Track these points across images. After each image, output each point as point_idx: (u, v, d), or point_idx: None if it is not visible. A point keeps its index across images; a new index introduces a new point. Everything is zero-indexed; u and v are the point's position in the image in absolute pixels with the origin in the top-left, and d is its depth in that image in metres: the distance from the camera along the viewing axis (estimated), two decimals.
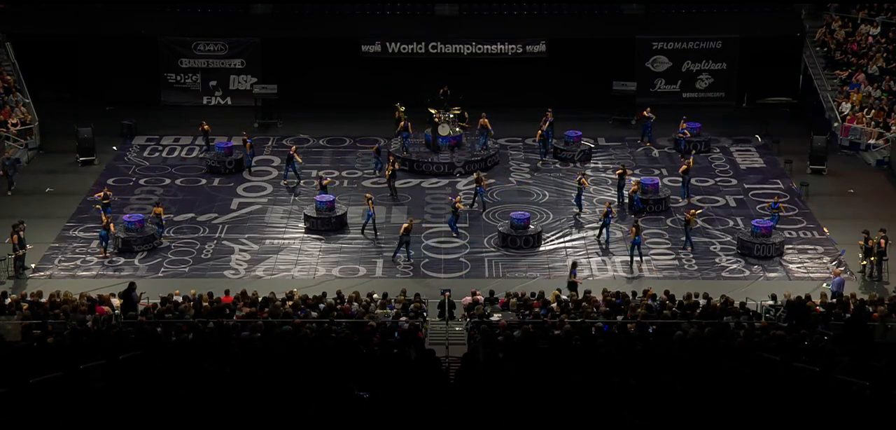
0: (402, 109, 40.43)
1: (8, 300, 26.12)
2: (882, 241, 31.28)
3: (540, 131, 40.42)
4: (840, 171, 40.02)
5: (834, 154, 41.14)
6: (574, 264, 30.63)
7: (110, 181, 38.14)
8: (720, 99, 47.35)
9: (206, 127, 40.89)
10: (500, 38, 46.62)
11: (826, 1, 48.38)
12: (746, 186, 38.46)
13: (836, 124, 42.81)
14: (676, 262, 32.64)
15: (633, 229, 32.09)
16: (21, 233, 31.36)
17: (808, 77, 46.18)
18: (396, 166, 37.51)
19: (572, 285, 29.42)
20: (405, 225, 32.62)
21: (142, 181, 38.56)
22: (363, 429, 15.55)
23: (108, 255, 32.47)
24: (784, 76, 46.53)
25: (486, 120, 40.21)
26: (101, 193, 34.80)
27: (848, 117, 42.70)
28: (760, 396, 16.57)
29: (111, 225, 32.78)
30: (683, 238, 33.43)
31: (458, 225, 34.47)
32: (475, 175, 36.85)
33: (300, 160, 38.54)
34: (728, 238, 34.03)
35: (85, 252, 32.85)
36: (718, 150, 41.87)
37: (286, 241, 34.02)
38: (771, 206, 34.73)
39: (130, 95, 45.56)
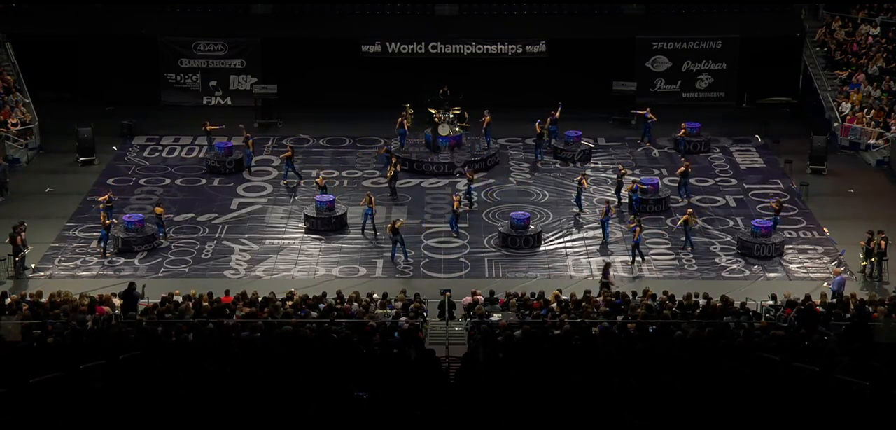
0: (411, 111, 40.49)
1: (8, 300, 26.11)
2: (882, 242, 31.29)
3: (543, 126, 40.33)
4: (840, 171, 40.02)
5: (834, 154, 41.14)
6: (607, 265, 30.59)
7: (110, 181, 38.15)
8: (720, 99, 47.35)
9: (209, 127, 40.77)
10: (500, 38, 46.61)
11: (819, 0, 48.47)
12: (746, 186, 38.47)
13: (836, 124, 42.81)
14: (676, 262, 32.65)
15: (637, 229, 32.09)
16: (23, 235, 31.36)
17: (808, 77, 46.18)
18: (398, 168, 37.52)
19: (606, 286, 29.23)
20: (389, 225, 32.65)
21: (142, 181, 38.56)
22: (363, 429, 15.55)
23: (108, 255, 32.48)
24: (784, 76, 46.52)
25: (489, 117, 40.24)
26: (106, 196, 34.73)
27: (848, 117, 42.70)
28: (760, 396, 16.56)
29: (107, 221, 32.68)
30: (683, 238, 33.43)
31: (458, 225, 34.49)
32: (467, 173, 36.89)
33: (282, 160, 38.50)
34: (728, 238, 34.04)
35: (85, 252, 32.86)
36: (718, 150, 41.89)
37: (286, 241, 34.03)
38: (774, 211, 34.68)
39: (130, 95, 45.55)
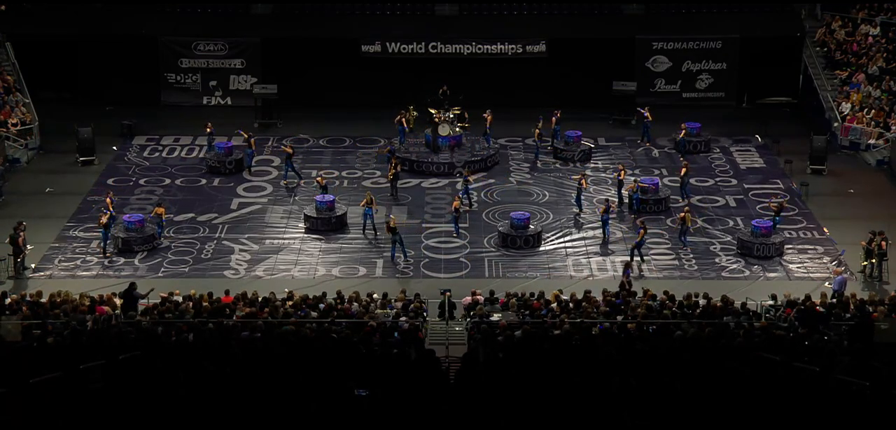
0: (415, 113, 40.50)
1: (8, 300, 26.12)
2: (882, 243, 31.29)
3: (546, 127, 40.40)
4: (840, 171, 40.01)
5: (834, 154, 41.13)
6: (627, 265, 30.57)
7: (110, 181, 38.14)
8: (720, 99, 47.34)
9: (210, 128, 40.72)
10: (500, 38, 46.60)
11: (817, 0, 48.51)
12: (746, 186, 38.46)
13: (836, 124, 42.80)
14: (676, 262, 32.64)
15: (642, 231, 32.06)
16: (23, 234, 31.35)
17: (808, 77, 46.18)
18: (399, 169, 37.52)
19: (623, 287, 29.14)
20: (386, 225, 32.63)
21: (142, 181, 38.56)
22: (363, 429, 15.56)
23: (108, 255, 32.48)
24: (784, 76, 46.51)
25: (491, 117, 40.24)
26: (107, 201, 34.62)
27: (848, 117, 42.69)
28: (760, 396, 16.57)
29: (104, 218, 32.63)
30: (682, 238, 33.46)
31: (458, 225, 34.48)
32: (466, 173, 36.87)
33: (283, 158, 38.56)
34: (728, 238, 34.04)
35: (85, 252, 32.86)
36: (718, 150, 41.88)
37: (286, 241, 34.02)
38: (773, 212, 34.66)
39: (130, 95, 45.55)
